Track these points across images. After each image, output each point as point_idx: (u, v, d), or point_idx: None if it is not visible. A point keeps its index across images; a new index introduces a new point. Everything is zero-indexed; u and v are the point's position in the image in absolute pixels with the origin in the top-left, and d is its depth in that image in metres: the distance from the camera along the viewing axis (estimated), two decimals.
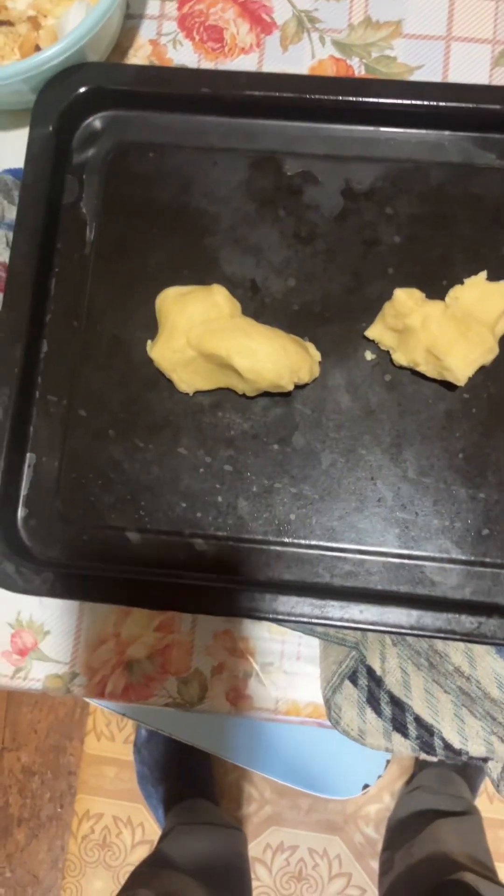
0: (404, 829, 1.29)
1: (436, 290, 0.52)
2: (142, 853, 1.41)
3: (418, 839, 1.21)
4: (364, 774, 0.88)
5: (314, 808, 1.41)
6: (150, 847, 1.42)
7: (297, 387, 0.51)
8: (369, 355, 0.52)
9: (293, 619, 0.48)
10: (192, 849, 1.18)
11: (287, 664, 0.53)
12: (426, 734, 0.52)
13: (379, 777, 0.88)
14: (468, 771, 1.38)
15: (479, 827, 1.25)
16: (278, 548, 0.50)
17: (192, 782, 1.38)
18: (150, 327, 0.52)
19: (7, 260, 0.53)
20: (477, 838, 1.22)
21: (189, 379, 0.51)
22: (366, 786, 0.88)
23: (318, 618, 0.47)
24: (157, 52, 0.59)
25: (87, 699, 0.55)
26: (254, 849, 1.39)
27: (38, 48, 0.57)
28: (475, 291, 0.50)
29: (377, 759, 0.89)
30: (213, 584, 0.49)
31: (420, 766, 1.40)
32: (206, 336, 0.48)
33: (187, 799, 1.33)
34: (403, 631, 0.47)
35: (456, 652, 0.52)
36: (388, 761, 0.88)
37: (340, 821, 1.40)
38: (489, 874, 1.07)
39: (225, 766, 1.42)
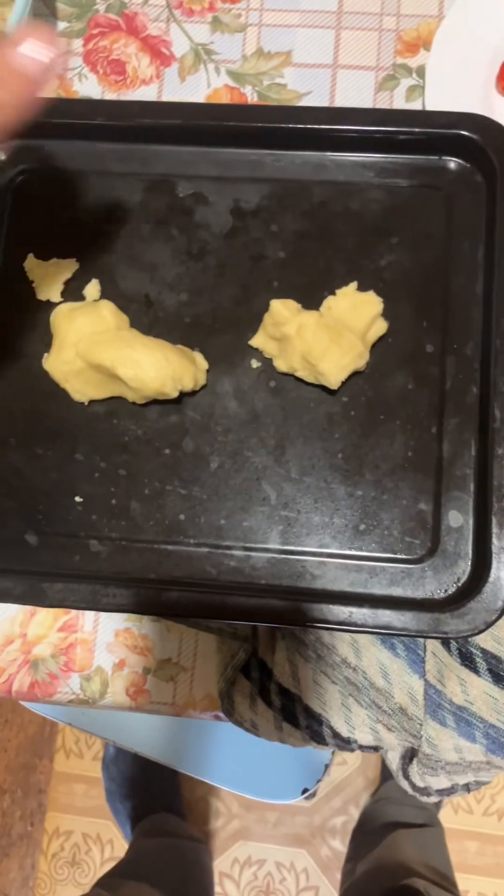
0: (366, 840, 1.30)
1: (318, 301, 0.55)
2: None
3: (377, 848, 1.22)
4: (304, 779, 0.90)
5: (281, 822, 1.42)
6: None
7: (188, 394, 0.54)
8: (255, 363, 0.55)
9: (180, 612, 0.50)
10: (156, 861, 1.20)
11: (184, 660, 0.56)
12: (315, 724, 0.54)
13: (318, 781, 0.90)
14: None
15: (439, 838, 1.26)
16: (169, 546, 0.53)
17: (159, 798, 1.40)
18: (47, 343, 0.55)
19: None
20: (436, 848, 1.23)
21: (82, 388, 0.54)
22: (305, 790, 0.89)
23: (199, 609, 0.50)
24: (64, 85, 0.63)
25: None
26: (221, 863, 1.40)
27: None
28: (346, 301, 0.53)
29: (316, 763, 0.90)
30: (109, 584, 0.51)
31: (385, 777, 1.41)
32: (92, 347, 0.51)
33: (152, 814, 1.35)
34: (282, 623, 0.49)
35: (342, 643, 0.55)
36: (326, 766, 0.90)
37: (307, 834, 1.41)
38: (444, 883, 1.08)
39: (192, 781, 1.43)
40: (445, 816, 1.32)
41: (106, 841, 1.43)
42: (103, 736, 0.93)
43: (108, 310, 0.53)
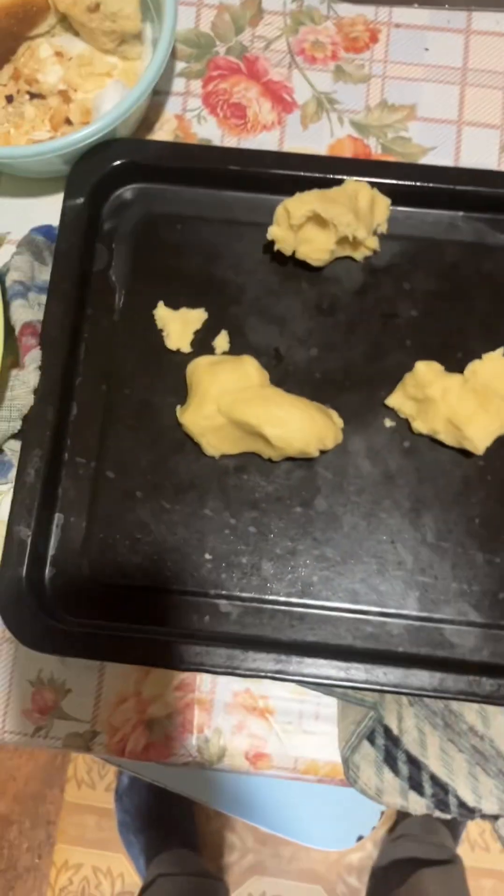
0: (388, 878, 1.29)
1: (451, 361, 0.54)
2: None
3: (402, 889, 1.21)
4: (358, 825, 0.89)
5: (296, 857, 1.40)
6: None
7: (321, 452, 0.53)
8: (388, 422, 0.54)
9: (318, 680, 0.49)
10: None
11: (306, 723, 0.54)
12: (441, 792, 0.53)
13: (373, 828, 0.89)
14: (451, 819, 1.39)
15: (461, 876, 1.26)
16: (301, 609, 0.52)
17: (174, 830, 1.37)
18: (177, 392, 0.54)
19: (38, 321, 0.54)
20: (459, 887, 1.23)
21: (217, 444, 0.52)
22: (360, 837, 0.88)
23: (343, 680, 0.48)
24: (183, 126, 0.62)
25: (106, 758, 0.55)
26: None
27: (68, 121, 0.60)
28: (493, 366, 0.52)
29: (371, 809, 0.89)
30: (237, 646, 0.50)
31: (403, 814, 1.40)
32: (237, 405, 0.50)
33: (168, 849, 1.32)
34: (427, 693, 0.48)
35: (470, 711, 0.54)
36: (382, 812, 0.89)
37: (323, 870, 1.39)
38: None
39: (207, 813, 1.40)
40: (462, 854, 1.32)
41: (116, 875, 1.40)
42: (130, 769, 0.90)
43: (252, 366, 0.52)
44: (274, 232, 0.54)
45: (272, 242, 0.55)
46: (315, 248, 0.53)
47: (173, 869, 1.28)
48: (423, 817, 1.41)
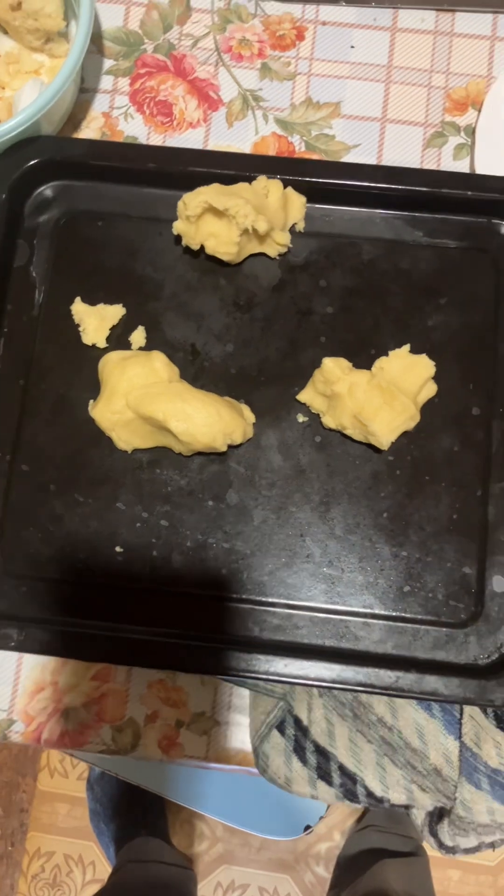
0: (351, 867, 1.30)
1: (364, 358, 0.55)
2: (92, 892, 1.40)
3: (363, 878, 1.22)
4: (306, 815, 0.90)
5: (265, 847, 1.41)
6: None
7: (232, 447, 0.54)
8: (301, 417, 0.55)
9: (220, 672, 0.50)
10: (141, 887, 1.18)
11: (218, 713, 0.55)
12: (349, 782, 0.54)
13: (321, 818, 0.90)
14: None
15: (424, 868, 1.26)
16: (210, 602, 0.52)
17: (143, 819, 1.38)
18: (93, 388, 0.55)
19: None
20: (421, 878, 1.23)
21: (128, 438, 0.53)
22: (307, 827, 0.89)
23: (245, 671, 0.49)
24: (109, 124, 0.62)
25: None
26: (205, 888, 1.39)
27: None
28: (399, 363, 0.53)
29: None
30: (147, 638, 0.51)
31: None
32: (144, 399, 0.51)
33: (138, 837, 1.33)
34: (326, 684, 0.49)
35: (379, 703, 0.55)
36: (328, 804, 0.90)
37: (291, 860, 1.41)
38: None
39: (177, 803, 1.42)
40: (428, 846, 1.33)
41: (88, 863, 1.42)
42: (92, 763, 0.92)
43: (160, 361, 0.52)
44: (177, 226, 0.55)
45: None
46: (221, 241, 0.54)
47: (142, 856, 1.29)
48: (391, 808, 1.42)
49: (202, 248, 0.55)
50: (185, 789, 0.97)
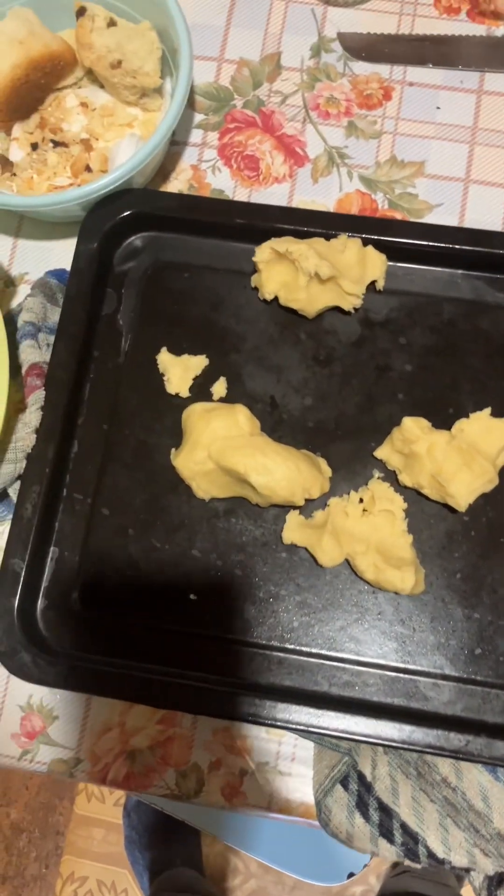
0: None
1: (442, 417, 0.55)
2: None
3: None
4: (350, 862, 0.89)
5: (298, 886, 1.40)
6: None
7: (306, 501, 0.54)
8: (377, 473, 0.56)
9: (290, 726, 0.50)
10: None
11: (282, 764, 0.56)
12: (411, 841, 0.54)
13: (365, 866, 0.89)
14: None
15: None
16: (280, 654, 0.53)
17: (179, 850, 1.38)
18: (174, 435, 0.56)
19: (45, 362, 0.57)
20: None
21: (207, 487, 0.54)
22: (351, 874, 0.89)
23: (314, 726, 0.50)
24: (197, 176, 0.64)
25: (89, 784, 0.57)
26: None
27: (88, 168, 0.62)
28: (479, 425, 0.53)
29: None
30: (216, 687, 0.51)
31: None
32: (226, 452, 0.52)
33: (173, 867, 1.33)
34: (395, 744, 0.49)
35: (444, 763, 0.55)
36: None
37: None
38: None
39: (213, 835, 1.41)
40: (464, 893, 1.30)
41: (121, 890, 1.42)
42: (135, 793, 0.92)
43: (243, 415, 0.53)
44: (254, 278, 0.56)
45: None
46: (290, 289, 0.55)
47: (177, 887, 1.29)
48: (451, 870, 1.40)
49: (277, 300, 0.57)
50: (228, 827, 0.96)
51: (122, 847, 1.41)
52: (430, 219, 0.62)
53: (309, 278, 0.55)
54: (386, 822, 0.54)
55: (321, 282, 0.55)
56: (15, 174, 0.62)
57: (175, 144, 0.65)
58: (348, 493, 0.55)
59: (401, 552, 0.52)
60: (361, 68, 0.65)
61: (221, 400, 0.57)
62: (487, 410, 0.53)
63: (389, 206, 0.63)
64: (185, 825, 1.39)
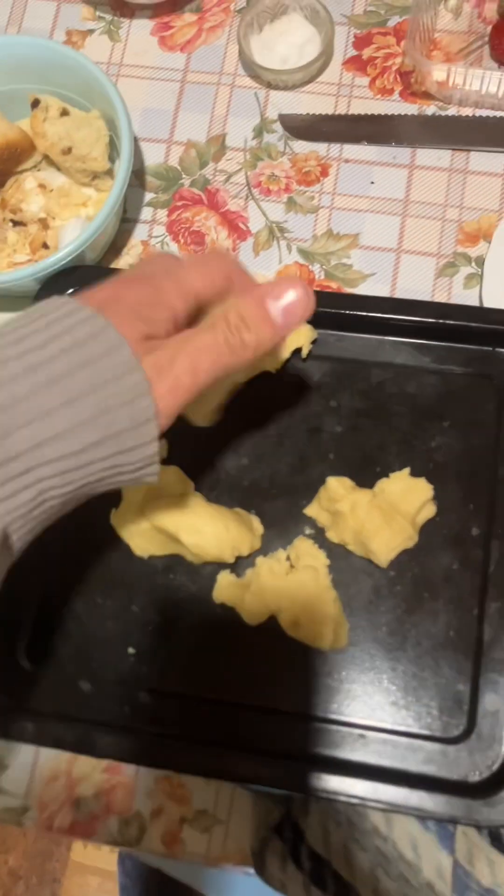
0: None
1: (370, 475, 0.58)
2: None
3: None
4: None
5: None
6: None
7: (242, 556, 0.57)
8: (308, 530, 0.58)
9: (223, 776, 0.53)
10: None
11: (220, 812, 0.58)
12: (343, 891, 0.55)
13: None
14: None
15: None
16: (212, 706, 0.55)
17: None
18: (118, 496, 0.60)
19: None
20: None
21: (144, 545, 0.57)
22: None
23: (246, 779, 0.52)
24: (147, 251, 0.68)
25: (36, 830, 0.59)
26: None
27: (45, 245, 0.67)
28: (400, 484, 0.56)
29: None
30: (152, 737, 0.54)
31: None
32: (158, 511, 0.55)
33: None
34: (322, 794, 0.51)
35: (374, 812, 0.56)
36: None
37: None
38: None
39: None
40: None
41: None
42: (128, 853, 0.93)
43: (175, 475, 0.57)
44: None
45: None
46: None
47: None
48: None
49: None
50: (214, 886, 0.97)
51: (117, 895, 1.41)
52: (364, 288, 0.66)
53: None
54: (318, 871, 0.56)
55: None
56: None
57: (127, 221, 0.70)
58: (281, 550, 0.58)
59: (325, 607, 0.54)
60: (301, 147, 0.70)
61: (163, 462, 0.60)
62: (406, 470, 0.56)
63: (326, 277, 0.66)
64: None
